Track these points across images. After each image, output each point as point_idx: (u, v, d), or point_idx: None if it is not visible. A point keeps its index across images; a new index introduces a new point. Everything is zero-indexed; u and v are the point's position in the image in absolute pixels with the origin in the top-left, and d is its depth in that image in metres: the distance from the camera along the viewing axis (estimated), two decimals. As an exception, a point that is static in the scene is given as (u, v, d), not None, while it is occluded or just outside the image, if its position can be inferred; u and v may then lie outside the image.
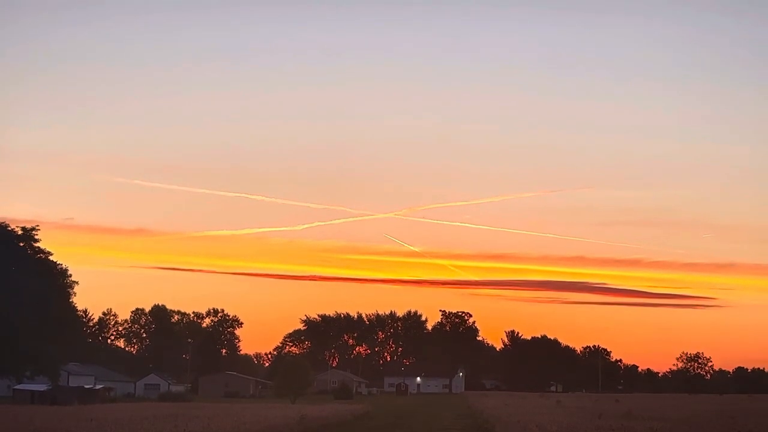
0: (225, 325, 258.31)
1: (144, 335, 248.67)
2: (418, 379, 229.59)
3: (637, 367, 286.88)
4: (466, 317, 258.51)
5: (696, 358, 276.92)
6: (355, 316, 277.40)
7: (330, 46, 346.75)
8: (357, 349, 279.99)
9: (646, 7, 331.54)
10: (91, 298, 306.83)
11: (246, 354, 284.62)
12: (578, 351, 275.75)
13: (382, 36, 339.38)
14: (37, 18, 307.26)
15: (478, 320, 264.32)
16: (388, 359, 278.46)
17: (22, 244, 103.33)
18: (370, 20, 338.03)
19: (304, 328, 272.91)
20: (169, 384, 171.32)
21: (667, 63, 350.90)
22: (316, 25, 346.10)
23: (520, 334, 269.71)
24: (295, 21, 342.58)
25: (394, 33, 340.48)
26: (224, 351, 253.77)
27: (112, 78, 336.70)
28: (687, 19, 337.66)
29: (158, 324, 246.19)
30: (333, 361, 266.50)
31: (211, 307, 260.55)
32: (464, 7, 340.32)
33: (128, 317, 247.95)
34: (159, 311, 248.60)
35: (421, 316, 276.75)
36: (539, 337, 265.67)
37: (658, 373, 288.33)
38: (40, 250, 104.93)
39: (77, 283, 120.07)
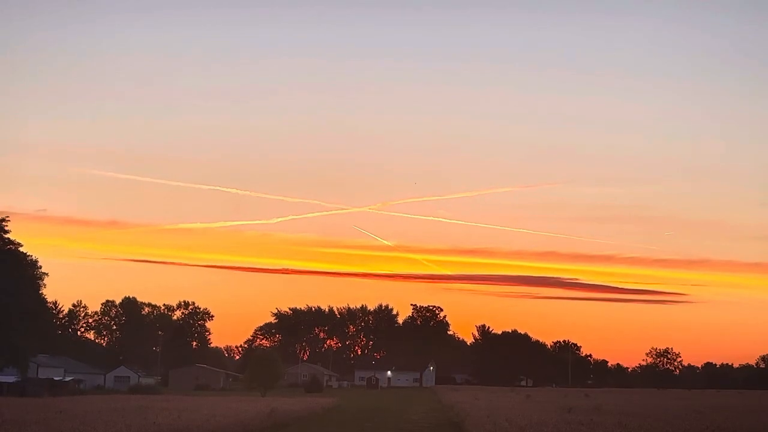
0: (196, 318, 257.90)
1: (114, 327, 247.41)
2: (389, 372, 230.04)
3: (607, 362, 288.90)
4: (437, 311, 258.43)
5: (665, 353, 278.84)
6: (327, 310, 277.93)
7: (304, 43, 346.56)
8: (328, 342, 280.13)
9: (622, 5, 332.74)
10: (62, 289, 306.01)
11: (216, 347, 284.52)
12: (549, 346, 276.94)
13: (355, 32, 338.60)
14: (14, 12, 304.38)
15: (450, 315, 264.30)
16: (359, 353, 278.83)
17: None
18: (344, 17, 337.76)
19: (275, 321, 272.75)
20: (139, 376, 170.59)
21: (643, 60, 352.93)
22: (286, 22, 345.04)
23: (490, 329, 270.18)
24: (269, 18, 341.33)
25: (368, 29, 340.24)
26: (195, 344, 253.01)
27: (86, 70, 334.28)
28: (662, 17, 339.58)
29: (128, 316, 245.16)
30: (304, 354, 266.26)
31: (182, 300, 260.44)
32: (440, 2, 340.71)
33: (98, 309, 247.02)
34: (129, 303, 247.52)
35: (392, 310, 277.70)
36: (510, 331, 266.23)
37: (628, 368, 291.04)
38: (10, 242, 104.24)
39: (47, 274, 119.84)
